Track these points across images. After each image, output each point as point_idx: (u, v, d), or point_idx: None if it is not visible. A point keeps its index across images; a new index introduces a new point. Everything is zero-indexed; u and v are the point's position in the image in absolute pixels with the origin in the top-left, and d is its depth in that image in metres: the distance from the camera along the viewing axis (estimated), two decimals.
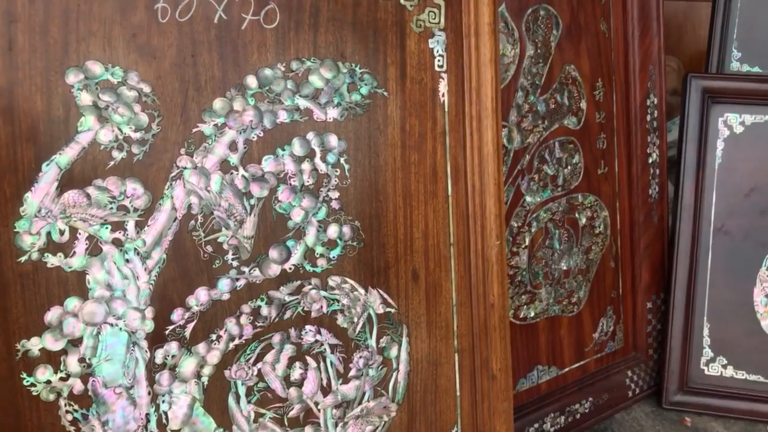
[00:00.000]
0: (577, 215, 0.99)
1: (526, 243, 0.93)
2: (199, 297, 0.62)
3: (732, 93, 1.05)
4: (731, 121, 1.05)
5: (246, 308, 0.64)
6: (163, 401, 0.62)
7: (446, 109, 0.72)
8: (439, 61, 0.72)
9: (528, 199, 0.93)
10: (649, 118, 1.05)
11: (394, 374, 0.71)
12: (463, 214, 0.73)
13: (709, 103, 1.05)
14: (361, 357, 0.69)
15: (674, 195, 1.07)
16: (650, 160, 1.06)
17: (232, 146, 0.63)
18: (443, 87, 0.72)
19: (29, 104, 0.57)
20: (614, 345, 1.05)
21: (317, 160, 0.67)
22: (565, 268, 0.98)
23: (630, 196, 1.05)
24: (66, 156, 0.58)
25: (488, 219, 0.72)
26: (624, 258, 1.06)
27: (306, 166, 0.66)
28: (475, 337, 0.73)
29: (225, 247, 0.63)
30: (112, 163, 0.59)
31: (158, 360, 0.61)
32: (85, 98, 0.58)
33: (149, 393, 0.61)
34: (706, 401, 1.04)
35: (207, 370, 0.63)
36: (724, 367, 1.05)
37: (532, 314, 0.94)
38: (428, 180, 0.71)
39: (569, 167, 0.98)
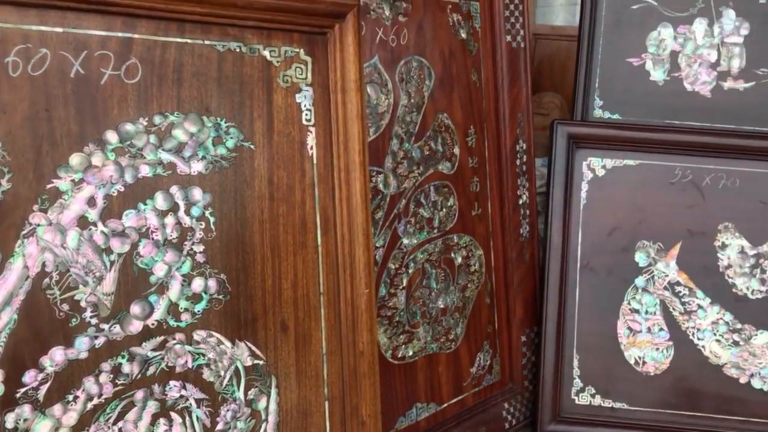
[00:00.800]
0: (453, 255, 1.03)
1: (404, 284, 0.96)
2: (54, 357, 0.61)
3: (594, 139, 1.13)
4: (594, 165, 1.13)
5: (106, 366, 0.63)
6: None
7: (315, 162, 0.74)
8: (306, 115, 0.74)
9: (405, 241, 0.97)
10: (518, 162, 1.11)
11: (263, 426, 0.71)
12: (333, 263, 0.75)
13: (574, 147, 1.13)
14: (228, 410, 0.69)
15: (544, 234, 1.13)
16: (521, 202, 1.12)
17: (91, 201, 0.62)
18: (311, 140, 0.74)
19: None
20: (491, 378, 1.09)
21: (181, 213, 0.67)
22: (442, 306, 1.01)
23: (503, 235, 1.11)
24: None
25: (357, 268, 0.75)
26: (499, 294, 1.11)
27: (169, 219, 0.66)
28: (345, 384, 0.74)
29: (83, 304, 0.62)
30: None
31: (9, 425, 0.59)
32: None
33: None
34: (576, 430, 1.10)
35: None
36: (593, 396, 1.11)
37: (411, 353, 0.97)
38: (297, 231, 0.73)
39: (444, 210, 1.02)
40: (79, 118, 0.62)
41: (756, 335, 1.11)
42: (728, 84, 1.18)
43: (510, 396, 1.11)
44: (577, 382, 1.12)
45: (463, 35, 1.04)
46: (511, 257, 1.11)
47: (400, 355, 0.95)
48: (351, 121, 0.74)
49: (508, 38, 1.09)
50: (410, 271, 0.98)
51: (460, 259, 1.04)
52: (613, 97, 1.19)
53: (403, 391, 0.95)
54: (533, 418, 1.12)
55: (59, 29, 0.61)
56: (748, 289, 1.11)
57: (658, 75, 1.17)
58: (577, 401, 1.12)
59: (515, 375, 1.12)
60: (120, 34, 0.64)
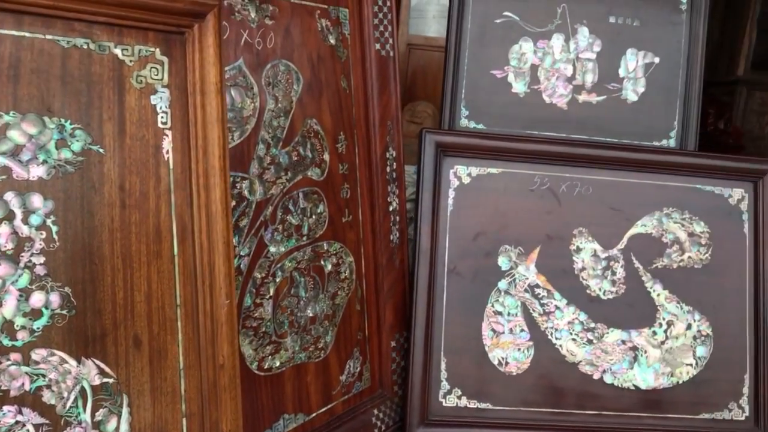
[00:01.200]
0: (323, 262, 1.02)
1: (271, 293, 0.94)
2: None
3: (460, 147, 1.17)
4: (460, 173, 1.17)
5: None
6: None
7: (171, 167, 0.71)
8: (162, 117, 0.70)
9: (272, 249, 0.95)
10: (389, 169, 1.12)
11: None
12: (191, 274, 0.71)
13: (441, 156, 1.16)
14: None
15: (413, 239, 1.15)
16: (391, 208, 1.13)
17: None
18: (167, 144, 0.70)
19: None
20: (361, 385, 1.10)
21: (17, 221, 0.61)
22: (311, 314, 1.00)
23: (374, 241, 1.11)
24: None
25: (217, 278, 0.72)
26: (369, 300, 1.12)
27: (3, 229, 0.60)
28: (204, 399, 0.71)
29: None
30: None
31: None
32: None
33: None
34: None
35: None
36: (459, 398, 1.14)
37: (278, 364, 0.95)
38: (151, 240, 0.69)
39: (314, 216, 1.01)
40: None
41: (607, 333, 1.18)
42: (582, 97, 1.26)
43: (380, 402, 1.12)
44: (445, 385, 1.14)
45: (332, 41, 1.04)
46: (382, 263, 1.12)
47: (266, 367, 0.93)
48: (210, 125, 0.71)
49: (377, 46, 1.10)
50: (278, 279, 0.96)
51: (330, 267, 1.04)
52: (478, 108, 1.23)
53: (269, 403, 0.93)
54: (402, 422, 1.13)
55: None
56: (600, 290, 1.19)
57: (519, 87, 1.23)
58: (444, 403, 1.14)
59: (385, 381, 1.13)
60: None
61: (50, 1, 0.62)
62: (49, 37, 0.63)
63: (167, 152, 0.70)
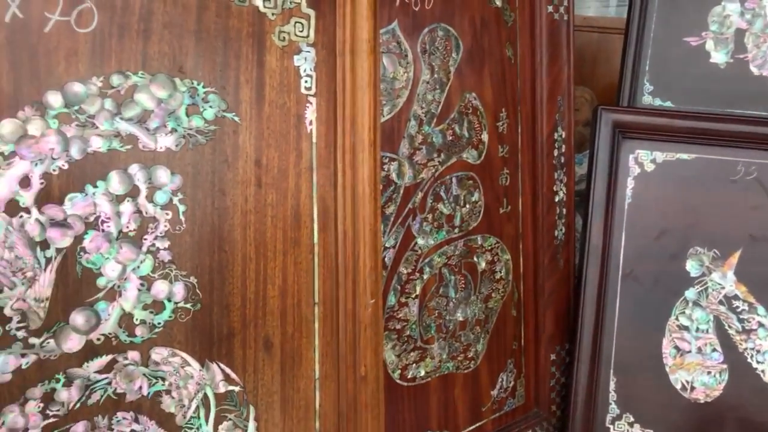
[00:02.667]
0: (475, 259, 0.89)
1: (417, 292, 0.82)
2: None
3: (643, 128, 0.98)
4: (642, 158, 0.98)
5: (35, 392, 0.49)
6: None
7: (314, 140, 0.60)
8: (306, 82, 0.59)
9: (420, 241, 0.82)
10: (556, 153, 0.96)
11: None
12: (332, 267, 0.61)
13: (619, 138, 0.98)
14: None
15: (581, 235, 0.98)
16: (557, 199, 0.97)
17: (24, 181, 0.49)
18: (311, 113, 0.60)
19: None
20: (514, 402, 0.95)
21: (142, 199, 0.53)
22: (461, 318, 0.87)
23: (535, 237, 0.96)
24: None
25: (362, 273, 0.61)
26: (527, 305, 0.97)
27: (126, 207, 0.52)
28: (341, 417, 0.60)
29: (7, 312, 0.48)
30: None
31: None
32: None
33: None
34: None
35: None
36: (631, 425, 0.97)
37: (423, 373, 0.83)
38: (289, 225, 0.59)
39: (468, 206, 0.87)
40: (14, 75, 0.49)
41: None
42: None
43: (535, 422, 0.96)
44: (614, 408, 0.97)
45: (498, 2, 0.89)
46: (543, 263, 0.96)
47: (410, 376, 0.81)
48: (361, 91, 0.60)
49: (550, 8, 0.94)
50: (425, 276, 0.83)
51: (483, 264, 0.90)
52: (666, 82, 1.03)
53: (411, 418, 0.81)
54: None
55: None
56: None
57: (719, 57, 1.02)
58: (612, 430, 0.97)
59: (542, 399, 0.98)
60: None
61: None
62: None
63: (310, 123, 0.60)
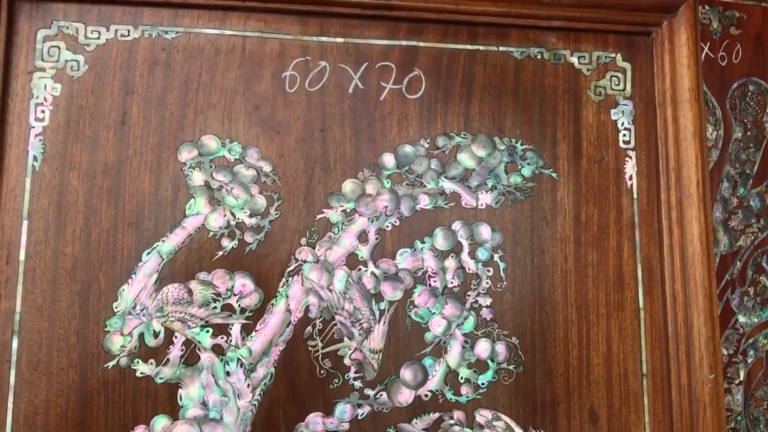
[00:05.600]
0: None
1: (741, 377, 0.71)
2: (312, 425, 0.49)
3: None
4: None
5: None
6: None
7: (635, 196, 0.56)
8: (624, 135, 0.57)
9: (741, 319, 0.72)
10: None
11: None
12: (661, 335, 0.55)
13: None
14: None
15: None
16: None
17: (362, 236, 0.52)
18: (630, 167, 0.56)
19: (136, 184, 0.50)
20: None
21: (464, 255, 0.53)
22: None
23: None
24: (170, 243, 0.49)
25: (697, 344, 0.54)
26: None
27: (450, 263, 0.52)
28: None
29: (346, 362, 0.50)
30: (220, 253, 0.50)
31: None
32: (197, 177, 0.50)
33: None
34: None
35: None
36: None
37: None
38: (611, 287, 0.55)
39: None
40: (355, 139, 0.53)
41: None
42: None
43: None
44: None
45: None
46: None
47: None
48: (686, 142, 0.55)
49: None
50: (749, 360, 0.72)
51: None
52: None
53: None
54: None
55: (340, 39, 0.54)
56: None
57: None
58: None
59: None
60: (404, 43, 0.54)
61: (503, 7, 0.55)
62: (502, 48, 0.56)
63: (630, 177, 0.56)
